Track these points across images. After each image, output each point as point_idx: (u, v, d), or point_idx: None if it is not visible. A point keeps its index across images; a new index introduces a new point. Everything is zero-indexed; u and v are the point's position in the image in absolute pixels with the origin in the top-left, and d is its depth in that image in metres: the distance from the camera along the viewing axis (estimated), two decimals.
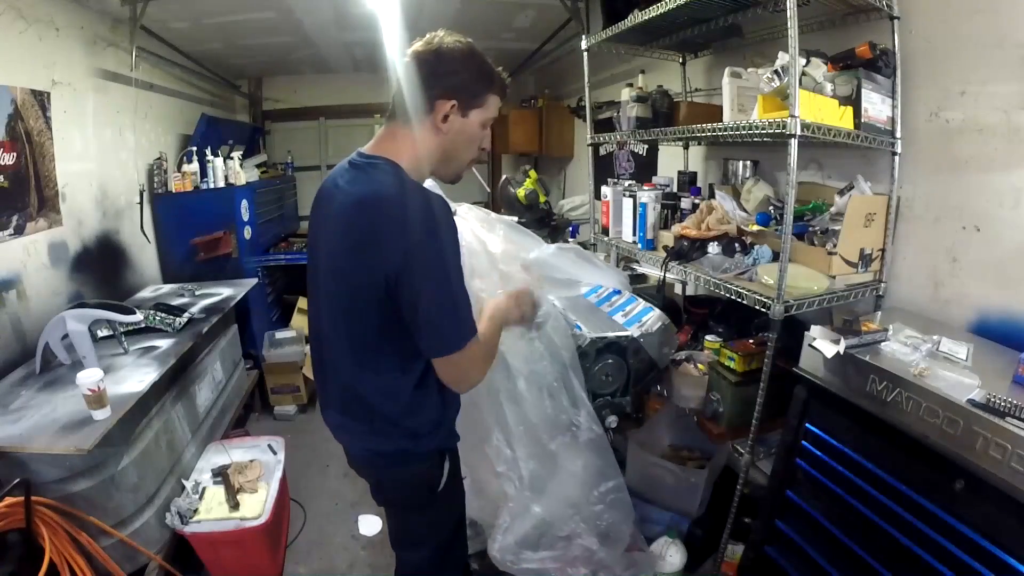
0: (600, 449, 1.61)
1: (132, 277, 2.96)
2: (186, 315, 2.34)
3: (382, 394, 1.16)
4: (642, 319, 1.76)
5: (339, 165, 1.18)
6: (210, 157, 3.31)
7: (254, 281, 3.09)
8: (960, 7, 1.43)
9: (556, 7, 3.15)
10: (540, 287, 1.51)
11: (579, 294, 1.92)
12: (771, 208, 1.84)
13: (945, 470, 1.06)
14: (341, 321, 1.15)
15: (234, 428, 2.72)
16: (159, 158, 3.20)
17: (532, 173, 3.00)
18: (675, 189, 2.34)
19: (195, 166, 3.25)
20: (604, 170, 3.11)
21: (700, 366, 1.93)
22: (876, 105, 1.51)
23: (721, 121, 1.70)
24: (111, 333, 2.04)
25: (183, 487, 1.98)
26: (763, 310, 1.50)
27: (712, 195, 2.04)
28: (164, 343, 2.11)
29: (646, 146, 2.99)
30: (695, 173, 2.46)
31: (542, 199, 2.91)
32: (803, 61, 1.46)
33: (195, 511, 1.90)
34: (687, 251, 1.84)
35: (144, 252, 3.09)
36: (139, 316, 2.02)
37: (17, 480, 1.41)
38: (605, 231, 2.41)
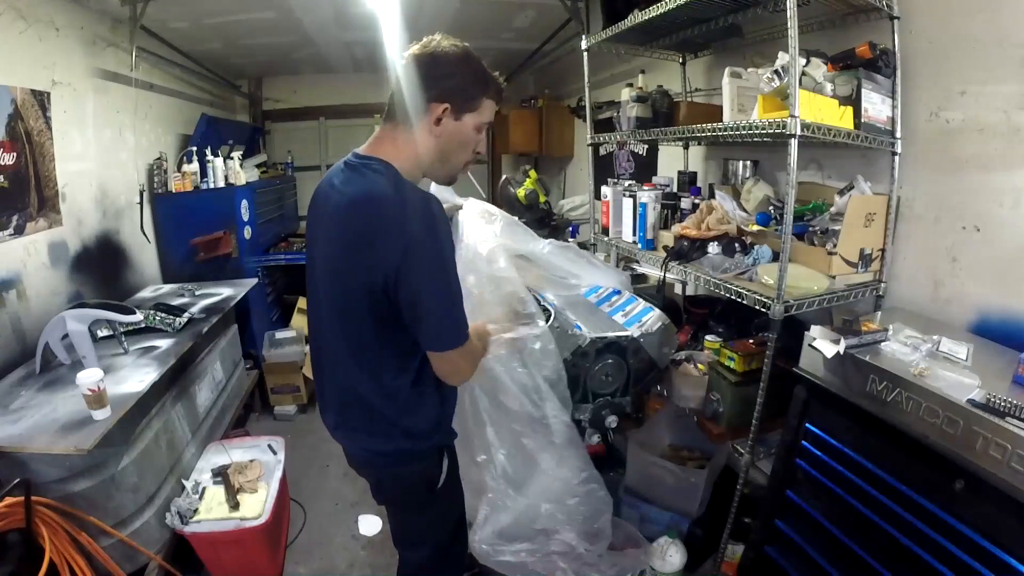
0: (570, 441, 1.60)
1: (132, 277, 2.96)
2: (186, 315, 2.34)
3: (380, 394, 1.16)
4: (642, 319, 1.75)
5: (335, 166, 1.18)
6: (210, 157, 3.31)
7: (254, 281, 3.09)
8: (960, 7, 1.43)
9: (556, 7, 3.14)
10: (510, 327, 1.55)
11: (578, 293, 1.92)
12: (771, 208, 1.84)
13: (945, 470, 1.06)
14: (338, 321, 1.15)
15: (234, 428, 2.72)
16: (159, 158, 3.20)
17: (532, 173, 3.00)
18: (675, 189, 2.34)
19: (195, 166, 3.25)
20: (604, 170, 3.12)
21: (700, 366, 1.93)
22: (876, 105, 1.51)
23: (721, 121, 1.70)
24: (111, 333, 2.04)
25: (183, 487, 1.98)
26: (763, 310, 1.50)
27: (712, 195, 2.04)
28: (164, 343, 2.11)
29: (646, 146, 2.99)
30: (695, 173, 2.46)
31: (542, 199, 2.90)
32: (803, 61, 1.46)
33: (195, 511, 1.90)
34: (687, 251, 1.84)
35: (144, 252, 3.09)
36: (139, 316, 2.02)
37: (17, 480, 1.41)
38: (605, 231, 2.41)
